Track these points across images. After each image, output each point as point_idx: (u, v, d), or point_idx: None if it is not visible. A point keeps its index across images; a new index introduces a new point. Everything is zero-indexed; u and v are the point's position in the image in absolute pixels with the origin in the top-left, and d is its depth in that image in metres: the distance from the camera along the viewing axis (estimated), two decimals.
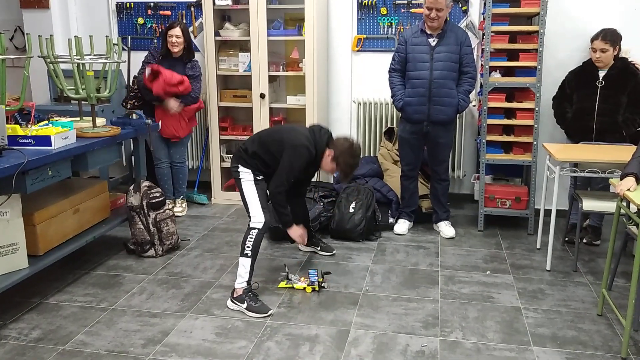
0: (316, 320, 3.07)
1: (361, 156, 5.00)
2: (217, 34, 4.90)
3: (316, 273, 3.42)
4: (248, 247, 3.20)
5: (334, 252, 3.95)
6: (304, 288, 3.40)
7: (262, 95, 4.84)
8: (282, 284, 3.45)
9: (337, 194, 4.45)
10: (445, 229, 4.36)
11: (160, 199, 3.93)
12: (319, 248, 3.95)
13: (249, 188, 3.34)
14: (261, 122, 4.89)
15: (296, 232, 3.52)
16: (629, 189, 2.79)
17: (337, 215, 4.26)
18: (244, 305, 3.14)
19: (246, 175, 3.36)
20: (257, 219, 3.27)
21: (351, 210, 4.24)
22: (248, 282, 3.20)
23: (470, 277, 3.62)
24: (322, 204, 4.32)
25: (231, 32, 4.92)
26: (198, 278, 3.60)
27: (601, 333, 2.94)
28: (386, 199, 4.51)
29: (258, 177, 3.36)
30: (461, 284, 3.52)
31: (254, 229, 3.25)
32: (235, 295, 3.19)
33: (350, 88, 5.16)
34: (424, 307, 3.21)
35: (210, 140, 5.08)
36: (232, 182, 5.28)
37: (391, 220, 4.48)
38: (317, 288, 3.39)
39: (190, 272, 3.69)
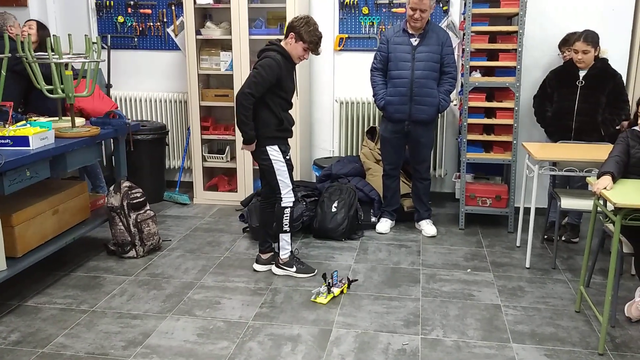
0: (298, 320, 3.08)
1: (343, 155, 5.12)
2: (198, 32, 4.87)
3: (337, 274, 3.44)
4: (286, 224, 3.55)
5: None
6: (341, 290, 3.39)
7: None
8: (329, 297, 3.29)
9: (320, 194, 4.46)
10: (427, 227, 4.39)
11: (141, 200, 3.90)
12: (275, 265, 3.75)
13: (280, 168, 3.47)
14: None
15: (251, 148, 3.45)
16: (605, 188, 2.83)
17: (320, 214, 4.27)
18: (294, 269, 3.61)
19: (276, 154, 3.45)
20: (289, 198, 3.52)
21: (333, 209, 4.25)
22: (291, 252, 3.64)
23: (451, 275, 3.65)
24: (304, 203, 4.32)
25: (212, 31, 4.90)
26: (179, 279, 3.58)
27: (579, 329, 2.99)
28: (368, 198, 4.53)
29: (287, 157, 3.50)
30: (442, 282, 3.55)
31: (287, 207, 3.53)
32: (282, 263, 3.63)
33: (332, 87, 5.16)
34: (406, 306, 3.23)
35: (192, 139, 5.05)
36: (214, 181, 5.27)
37: (373, 219, 4.50)
38: (344, 290, 3.40)
39: (171, 273, 3.67)
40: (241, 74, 4.77)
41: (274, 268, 3.66)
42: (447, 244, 4.21)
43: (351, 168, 4.73)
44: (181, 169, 5.42)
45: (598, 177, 2.96)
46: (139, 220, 3.85)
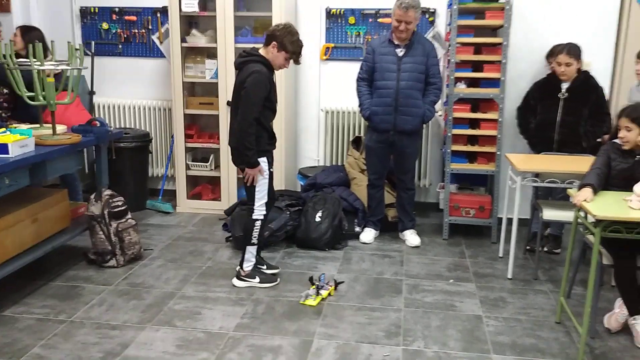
0: (279, 330, 3.05)
1: (329, 165, 5.11)
2: (183, 40, 4.86)
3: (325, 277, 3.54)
4: (255, 237, 3.52)
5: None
6: (329, 292, 3.45)
7: (229, 103, 4.80)
8: (318, 299, 3.36)
9: (304, 203, 4.44)
10: (411, 237, 4.39)
11: (123, 208, 3.86)
12: (264, 267, 3.74)
13: (262, 180, 3.44)
14: (228, 130, 4.84)
15: (256, 172, 3.40)
16: (585, 200, 2.85)
17: (303, 224, 4.25)
18: (257, 280, 3.57)
19: (264, 166, 3.43)
20: (261, 211, 3.49)
21: (317, 219, 4.23)
22: (255, 263, 3.60)
23: (434, 285, 3.65)
24: (288, 212, 4.30)
25: (198, 39, 4.89)
26: (160, 289, 3.55)
27: (559, 341, 3.00)
28: (353, 208, 4.52)
29: (271, 169, 3.49)
30: (425, 292, 3.55)
31: (258, 220, 3.50)
32: (244, 274, 3.57)
33: (318, 96, 5.17)
34: (388, 317, 3.22)
35: (176, 147, 5.02)
36: (197, 190, 5.23)
37: (357, 229, 4.49)
38: (332, 292, 3.46)
39: (152, 283, 3.63)
40: (226, 82, 4.75)
41: (235, 281, 3.60)
42: (430, 254, 4.21)
43: (336, 177, 4.73)
44: (164, 177, 5.38)
45: (579, 189, 2.98)
46: (119, 229, 3.81)
